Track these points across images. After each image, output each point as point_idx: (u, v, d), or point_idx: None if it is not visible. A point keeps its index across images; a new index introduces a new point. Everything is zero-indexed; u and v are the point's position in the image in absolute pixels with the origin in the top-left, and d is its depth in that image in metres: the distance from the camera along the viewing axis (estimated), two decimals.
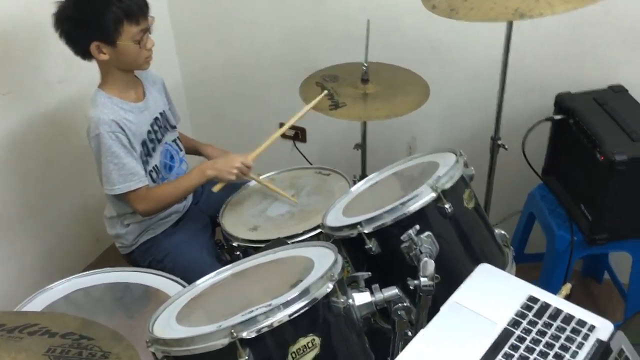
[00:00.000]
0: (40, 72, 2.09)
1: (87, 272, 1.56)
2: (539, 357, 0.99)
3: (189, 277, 1.49)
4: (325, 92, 1.82)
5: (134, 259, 1.88)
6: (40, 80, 2.09)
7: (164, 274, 1.56)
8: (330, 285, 1.06)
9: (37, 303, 1.46)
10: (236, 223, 1.78)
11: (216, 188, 1.78)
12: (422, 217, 1.28)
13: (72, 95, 2.20)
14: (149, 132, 1.77)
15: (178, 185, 1.77)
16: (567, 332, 1.02)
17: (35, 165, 2.15)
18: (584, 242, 1.81)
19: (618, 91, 1.86)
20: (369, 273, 1.22)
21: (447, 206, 1.28)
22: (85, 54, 1.65)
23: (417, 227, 1.26)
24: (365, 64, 1.84)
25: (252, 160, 1.76)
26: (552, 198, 1.97)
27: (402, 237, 1.26)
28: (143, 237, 1.85)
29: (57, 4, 1.61)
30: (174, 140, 1.90)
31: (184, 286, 1.43)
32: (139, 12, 1.60)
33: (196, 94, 2.75)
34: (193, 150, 2.03)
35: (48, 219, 2.25)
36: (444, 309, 1.09)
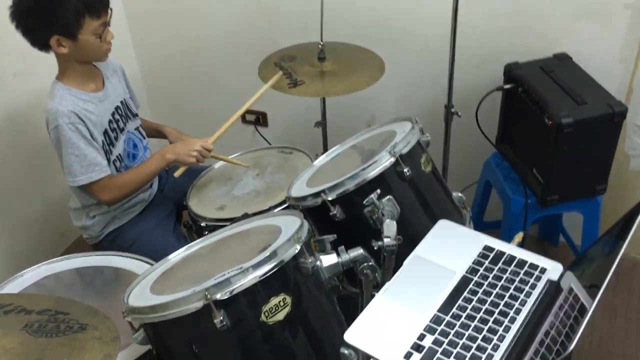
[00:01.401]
0: None
1: (57, 258, 1.57)
2: (495, 299, 1.05)
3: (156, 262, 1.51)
4: (281, 72, 1.86)
5: (102, 250, 1.88)
6: None
7: (134, 255, 1.57)
8: (298, 247, 1.11)
9: (8, 290, 1.46)
10: (203, 204, 1.81)
11: (177, 173, 1.80)
12: (382, 181, 1.34)
13: (28, 88, 2.17)
14: (110, 121, 1.77)
15: (140, 171, 1.77)
16: (521, 275, 1.09)
17: None
18: (537, 204, 1.91)
19: (562, 59, 1.96)
20: (334, 235, 1.26)
21: (405, 170, 1.34)
22: (43, 47, 1.63)
23: (379, 191, 1.32)
24: (322, 43, 1.88)
25: (212, 143, 1.78)
26: (506, 165, 2.06)
27: (364, 202, 1.32)
28: (109, 227, 1.86)
29: None
30: (137, 129, 1.90)
31: None
32: (99, 5, 1.59)
33: (155, 85, 2.76)
34: (155, 132, 2.03)
35: (9, 216, 2.22)
36: (406, 262, 1.15)
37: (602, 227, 2.01)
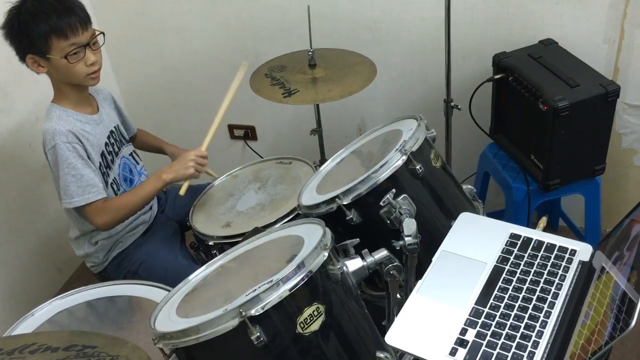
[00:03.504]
0: None
1: (68, 293, 1.52)
2: (531, 286, 1.05)
3: (166, 283, 1.48)
4: (247, 64, 1.83)
5: (107, 277, 1.84)
6: None
7: (145, 282, 1.53)
8: (326, 254, 1.09)
9: (22, 330, 1.41)
10: (208, 223, 1.77)
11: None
12: (395, 181, 1.33)
13: (12, 125, 2.12)
14: (106, 144, 1.75)
15: (136, 194, 1.74)
16: (552, 260, 1.09)
17: None
18: (539, 190, 1.92)
19: (549, 44, 1.98)
20: (358, 239, 1.25)
21: (417, 167, 1.34)
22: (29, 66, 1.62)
23: (394, 190, 1.31)
24: (311, 50, 1.87)
25: (204, 149, 1.76)
26: (503, 155, 2.07)
27: (381, 203, 1.31)
28: (113, 251, 1.82)
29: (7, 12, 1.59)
30: (131, 154, 1.88)
31: (167, 290, 1.42)
32: (67, 27, 1.55)
33: (137, 108, 2.71)
34: (157, 148, 2.01)
35: (2, 257, 2.15)
36: (435, 258, 1.14)
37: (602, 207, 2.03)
